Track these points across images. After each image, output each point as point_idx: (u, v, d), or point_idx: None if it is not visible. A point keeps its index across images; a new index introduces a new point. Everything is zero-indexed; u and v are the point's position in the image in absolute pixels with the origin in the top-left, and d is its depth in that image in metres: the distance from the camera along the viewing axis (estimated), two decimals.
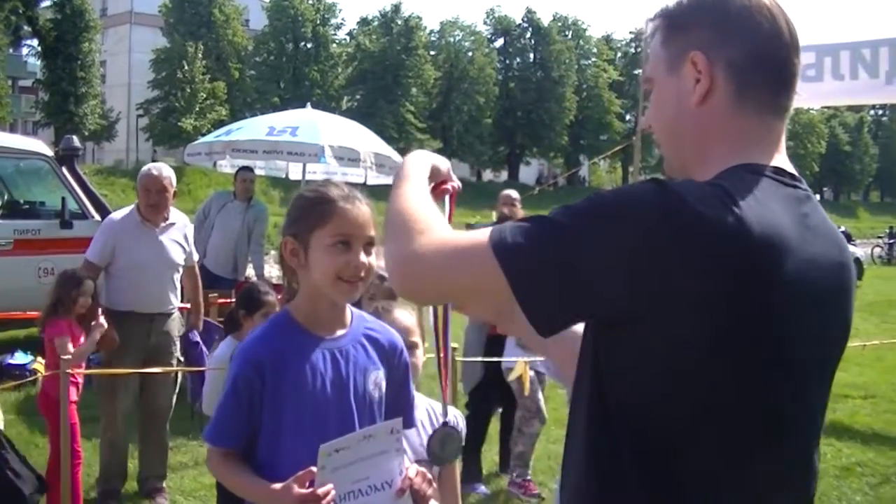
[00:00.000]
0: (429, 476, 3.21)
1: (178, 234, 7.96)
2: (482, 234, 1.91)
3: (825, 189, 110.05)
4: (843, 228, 37.34)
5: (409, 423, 3.36)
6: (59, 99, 54.60)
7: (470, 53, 76.69)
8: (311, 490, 2.87)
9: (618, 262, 1.78)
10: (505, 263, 1.85)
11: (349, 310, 3.27)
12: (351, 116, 61.07)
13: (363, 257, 3.06)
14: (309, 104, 14.69)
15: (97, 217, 12.86)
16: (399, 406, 3.33)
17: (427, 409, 3.87)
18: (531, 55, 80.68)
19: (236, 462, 3.11)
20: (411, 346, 3.65)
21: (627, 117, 76.74)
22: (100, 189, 43.75)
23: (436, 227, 2.04)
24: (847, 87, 13.39)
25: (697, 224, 1.77)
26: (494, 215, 9.51)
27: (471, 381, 8.29)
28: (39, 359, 10.97)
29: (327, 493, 2.87)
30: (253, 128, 13.22)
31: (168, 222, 7.85)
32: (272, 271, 14.13)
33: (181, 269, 8.02)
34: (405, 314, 3.79)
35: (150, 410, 7.92)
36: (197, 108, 59.70)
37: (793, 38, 2.01)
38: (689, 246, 1.76)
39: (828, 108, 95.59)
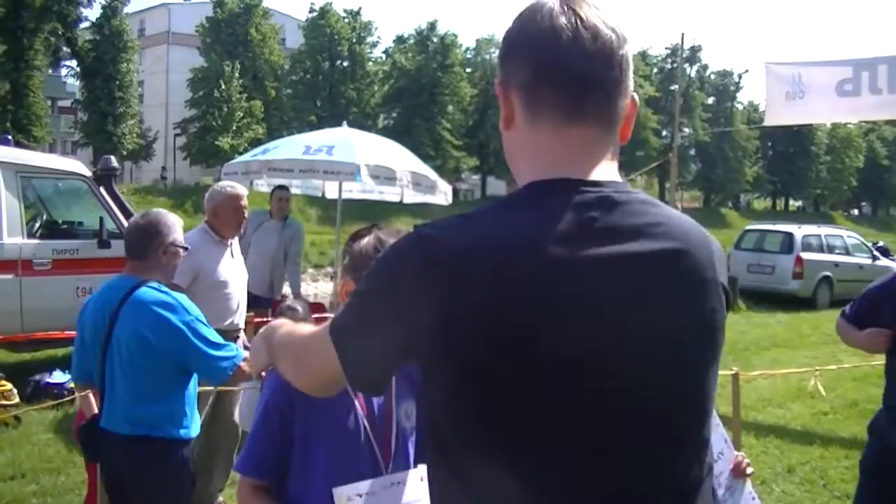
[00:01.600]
0: None
1: (237, 250, 8.14)
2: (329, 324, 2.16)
3: (863, 203, 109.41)
4: (881, 243, 37.41)
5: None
6: (98, 119, 55.07)
7: None
8: None
9: (398, 309, 1.96)
10: (334, 343, 2.08)
11: None
12: (387, 134, 61.33)
13: None
14: (345, 122, 14.68)
15: None
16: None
17: None
18: None
19: (266, 497, 3.05)
20: None
21: (664, 133, 76.53)
22: (138, 208, 44.30)
23: (297, 342, 2.37)
24: (885, 100, 13.33)
25: (433, 258, 1.91)
26: None
27: None
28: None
29: None
30: (289, 147, 13.25)
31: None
32: (309, 289, 14.16)
33: None
34: None
35: (226, 425, 7.95)
36: (234, 127, 59.98)
37: (596, 43, 2.01)
38: (434, 277, 1.90)
39: (866, 122, 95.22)
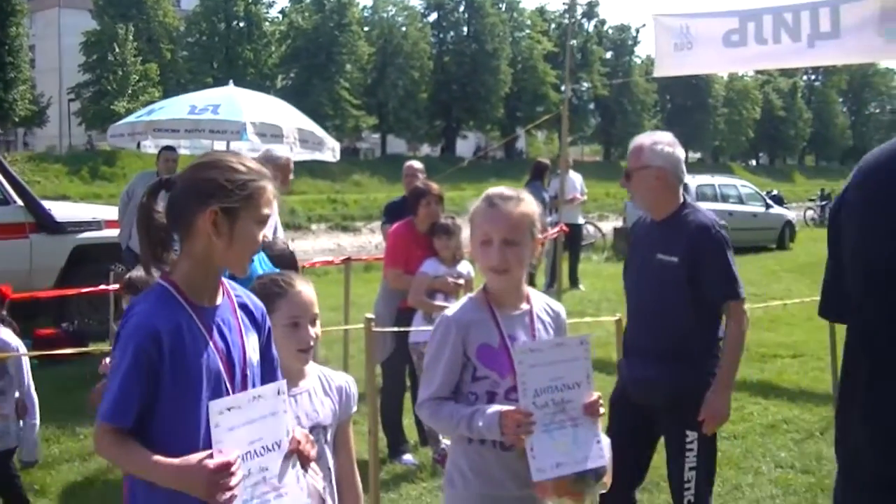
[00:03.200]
0: (311, 438, 3.32)
1: None
2: None
3: (761, 154, 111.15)
4: (774, 192, 38.05)
5: (275, 381, 3.41)
6: None
7: (403, 28, 76.28)
8: (224, 461, 2.87)
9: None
10: None
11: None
12: (285, 94, 60.88)
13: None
14: (231, 82, 14.52)
15: (20, 202, 12.73)
16: (268, 367, 3.40)
17: (319, 375, 3.99)
18: (465, 28, 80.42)
19: (132, 441, 3.02)
20: (313, 318, 3.85)
21: (562, 88, 76.85)
22: (32, 176, 43.36)
23: None
24: (770, 51, 13.47)
25: None
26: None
27: (382, 353, 8.28)
28: None
29: (236, 462, 2.90)
30: (174, 107, 13.12)
31: None
32: None
33: None
34: (308, 287, 3.89)
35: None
36: (129, 91, 58.99)
37: None
38: None
39: (760, 73, 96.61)
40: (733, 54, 13.86)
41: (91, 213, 14.02)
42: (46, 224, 12.82)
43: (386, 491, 7.54)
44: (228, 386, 3.15)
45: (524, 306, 3.90)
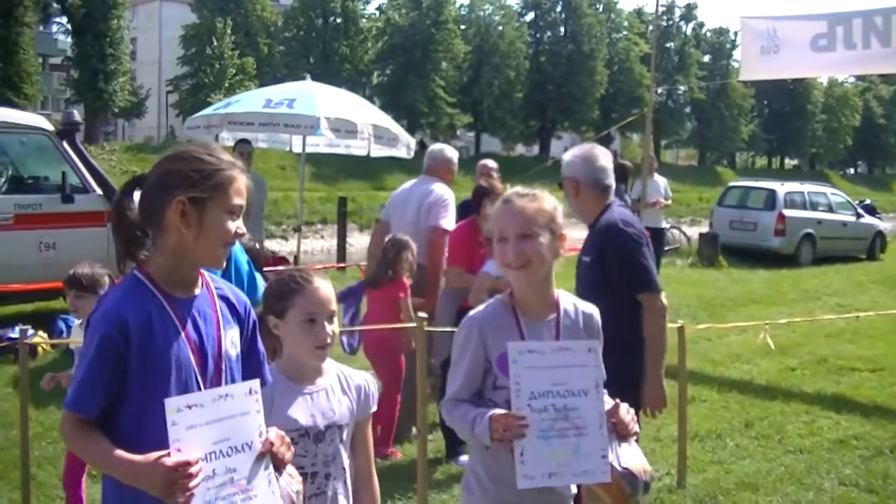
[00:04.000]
0: (287, 440, 3.23)
1: None
2: None
3: (859, 163, 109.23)
4: (867, 201, 37.32)
5: (263, 380, 3.39)
6: (89, 76, 54.49)
7: (500, 27, 76.16)
8: (182, 460, 2.81)
9: None
10: None
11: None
12: (381, 91, 61.27)
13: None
14: (308, 76, 14.54)
15: (98, 191, 12.90)
16: (252, 363, 3.37)
17: (338, 373, 3.94)
18: (562, 29, 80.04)
19: (95, 431, 3.00)
20: (331, 315, 3.78)
21: (659, 90, 76.20)
22: (129, 166, 43.97)
23: None
24: (859, 56, 13.23)
25: None
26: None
27: (442, 353, 8.17)
28: (41, 332, 10.96)
29: (196, 463, 2.82)
30: (251, 100, 13.19)
31: None
32: (271, 246, 14.11)
33: None
34: (326, 284, 3.82)
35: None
36: (226, 84, 59.58)
37: None
38: None
39: (860, 79, 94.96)
40: (821, 59, 13.61)
41: None
42: None
43: (438, 492, 7.47)
44: (200, 379, 3.12)
45: (551, 315, 3.81)
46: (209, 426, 2.91)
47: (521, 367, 3.46)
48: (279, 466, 3.16)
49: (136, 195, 3.21)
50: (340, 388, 3.88)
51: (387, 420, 8.37)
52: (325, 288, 3.78)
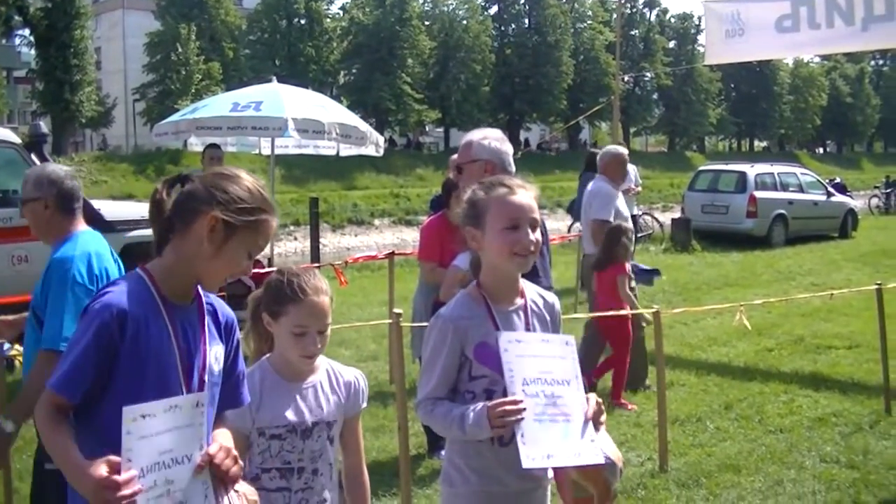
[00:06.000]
0: (234, 452, 3.17)
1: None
2: None
3: (828, 142, 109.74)
4: (838, 179, 37.53)
5: (239, 400, 3.45)
6: (55, 87, 54.14)
7: (465, 21, 76.13)
8: (110, 476, 2.77)
9: None
10: None
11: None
12: (348, 91, 61.02)
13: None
14: (274, 79, 14.48)
15: None
16: (232, 382, 3.37)
17: (328, 369, 3.99)
18: (526, 20, 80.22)
19: (66, 423, 3.01)
20: (323, 328, 3.83)
21: (626, 78, 76.36)
22: (100, 175, 43.75)
23: None
24: (824, 35, 13.30)
25: None
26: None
27: (420, 347, 8.18)
28: (17, 346, 10.90)
29: (129, 481, 2.77)
30: (218, 104, 13.14)
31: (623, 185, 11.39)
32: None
33: None
34: (323, 297, 3.82)
35: None
36: (193, 90, 59.37)
37: None
38: None
39: (825, 59, 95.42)
40: (786, 40, 13.69)
41: (140, 211, 14.05)
42: (95, 222, 12.84)
43: (421, 487, 7.47)
44: (185, 389, 3.11)
45: (518, 301, 3.81)
46: (158, 437, 2.89)
47: (512, 354, 3.52)
48: (225, 480, 3.12)
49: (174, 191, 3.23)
50: (329, 384, 3.92)
51: (618, 376, 10.01)
52: (321, 302, 3.80)
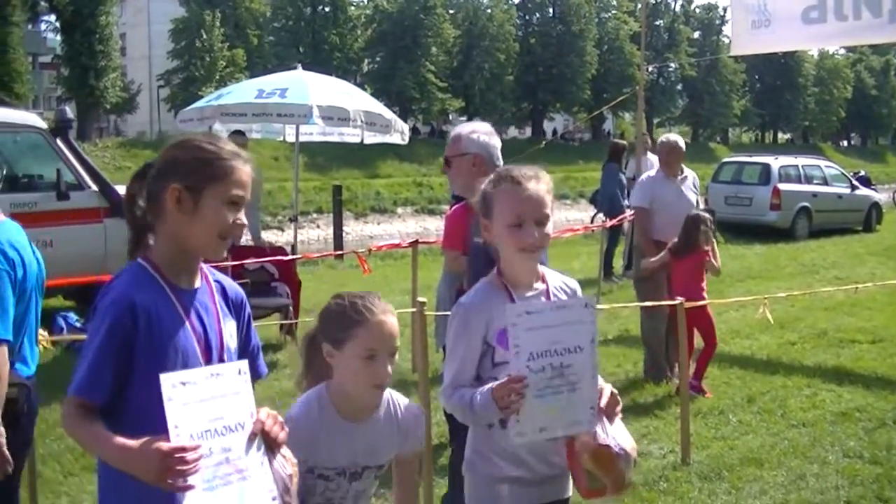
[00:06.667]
0: (280, 419, 3.16)
1: (690, 183, 11.34)
2: None
3: (853, 134, 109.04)
4: (862, 172, 37.27)
5: (257, 372, 3.39)
6: (80, 73, 54.38)
7: (489, 10, 76.20)
8: (178, 446, 2.76)
9: None
10: None
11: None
12: (372, 79, 61.05)
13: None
14: (299, 66, 14.48)
15: (94, 188, 12.85)
16: (248, 356, 3.33)
17: (388, 401, 3.74)
18: (550, 9, 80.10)
19: (96, 418, 2.98)
20: (393, 351, 3.55)
21: (649, 68, 76.06)
22: (123, 161, 43.89)
23: None
24: (851, 27, 13.18)
25: None
26: None
27: (444, 336, 8.18)
28: (41, 330, 10.92)
29: (195, 448, 2.78)
30: (242, 91, 13.16)
31: (682, 175, 11.17)
32: (267, 236, 14.09)
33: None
34: (391, 317, 3.58)
35: None
36: (217, 77, 59.56)
37: None
38: None
39: (850, 51, 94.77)
40: (812, 31, 13.56)
41: None
42: (120, 209, 12.89)
43: (443, 476, 7.42)
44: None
45: (539, 285, 3.82)
46: (203, 404, 2.88)
47: (521, 329, 3.43)
48: (272, 447, 3.11)
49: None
50: (388, 421, 3.69)
51: (704, 362, 10.06)
52: (391, 321, 3.54)
